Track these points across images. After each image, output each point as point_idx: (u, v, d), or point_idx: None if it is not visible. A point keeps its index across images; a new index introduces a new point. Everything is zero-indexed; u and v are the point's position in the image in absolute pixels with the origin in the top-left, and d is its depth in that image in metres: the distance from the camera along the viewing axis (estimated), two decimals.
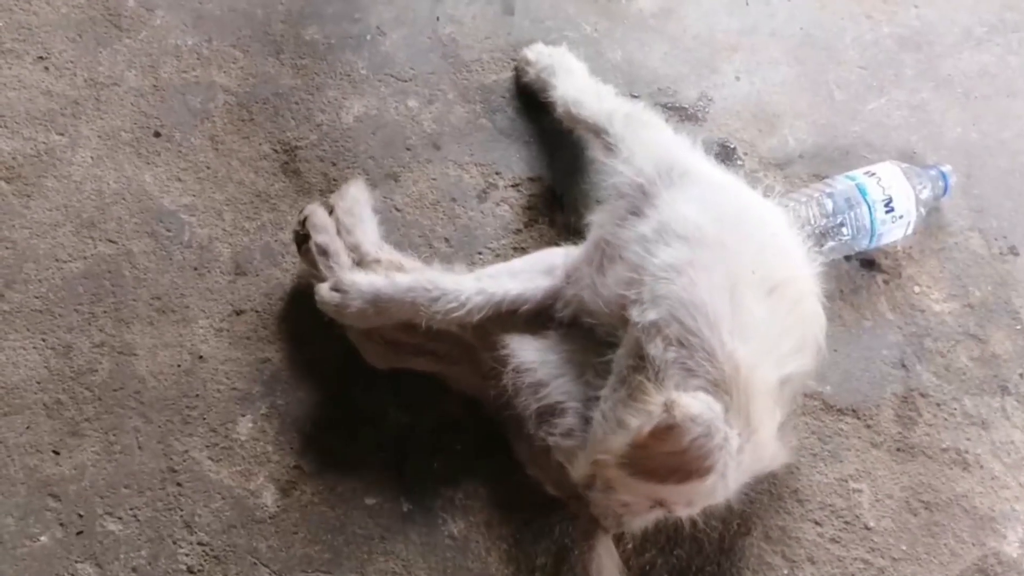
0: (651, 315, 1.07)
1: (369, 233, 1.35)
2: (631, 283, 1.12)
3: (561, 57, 1.49)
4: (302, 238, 1.33)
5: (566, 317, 1.23)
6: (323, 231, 1.32)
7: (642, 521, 1.16)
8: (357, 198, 1.36)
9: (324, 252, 1.30)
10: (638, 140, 1.25)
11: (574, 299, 1.22)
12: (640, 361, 1.08)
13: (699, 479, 1.01)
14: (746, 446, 1.04)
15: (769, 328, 1.09)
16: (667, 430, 0.97)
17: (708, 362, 1.04)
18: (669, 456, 1.00)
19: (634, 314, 1.09)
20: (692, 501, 1.09)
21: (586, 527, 1.20)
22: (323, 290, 1.27)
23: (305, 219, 1.32)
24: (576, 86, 1.42)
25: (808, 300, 1.17)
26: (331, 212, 1.34)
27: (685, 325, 1.05)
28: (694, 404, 0.98)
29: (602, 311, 1.17)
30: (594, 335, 1.21)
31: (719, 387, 1.03)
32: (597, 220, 1.26)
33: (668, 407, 0.97)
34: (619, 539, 1.25)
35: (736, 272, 1.10)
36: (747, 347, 1.05)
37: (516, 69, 1.55)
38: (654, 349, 1.06)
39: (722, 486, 1.06)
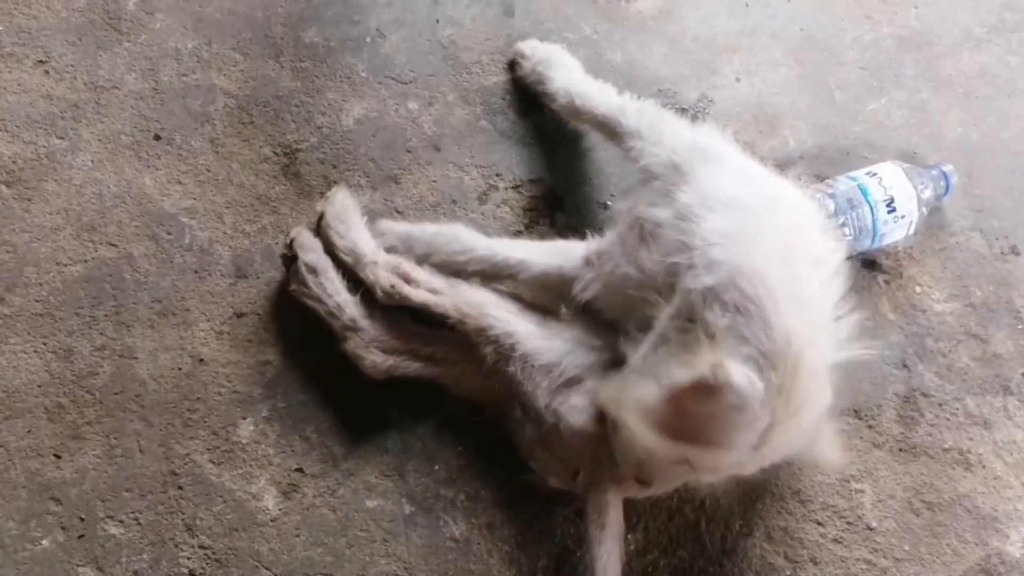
0: (708, 280, 1.07)
1: (363, 235, 1.35)
2: (681, 248, 1.12)
3: (557, 52, 1.51)
4: (290, 259, 1.33)
5: (583, 300, 1.24)
6: (311, 250, 1.32)
7: (662, 473, 1.15)
8: (345, 203, 1.37)
9: (314, 271, 1.31)
10: (661, 127, 1.27)
11: (598, 279, 1.22)
12: (690, 324, 1.08)
13: (717, 449, 1.01)
14: (783, 425, 1.03)
15: (822, 304, 1.10)
16: (706, 389, 0.97)
17: (763, 332, 1.03)
18: (696, 418, 0.99)
19: (688, 279, 1.09)
20: (718, 468, 1.09)
21: (599, 483, 1.19)
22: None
23: (292, 240, 1.33)
24: (577, 79, 1.44)
25: (839, 280, 1.17)
26: (320, 220, 1.35)
27: (744, 292, 1.05)
28: (739, 374, 0.98)
29: (646, 283, 1.16)
30: (599, 321, 1.23)
31: (768, 360, 1.02)
32: (625, 206, 1.27)
33: (715, 367, 0.96)
34: (623, 539, 1.25)
35: (787, 243, 1.10)
36: (802, 322, 1.05)
37: (511, 63, 1.55)
38: (711, 314, 1.06)
39: (754, 461, 1.06)
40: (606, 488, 1.18)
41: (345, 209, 1.36)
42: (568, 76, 1.45)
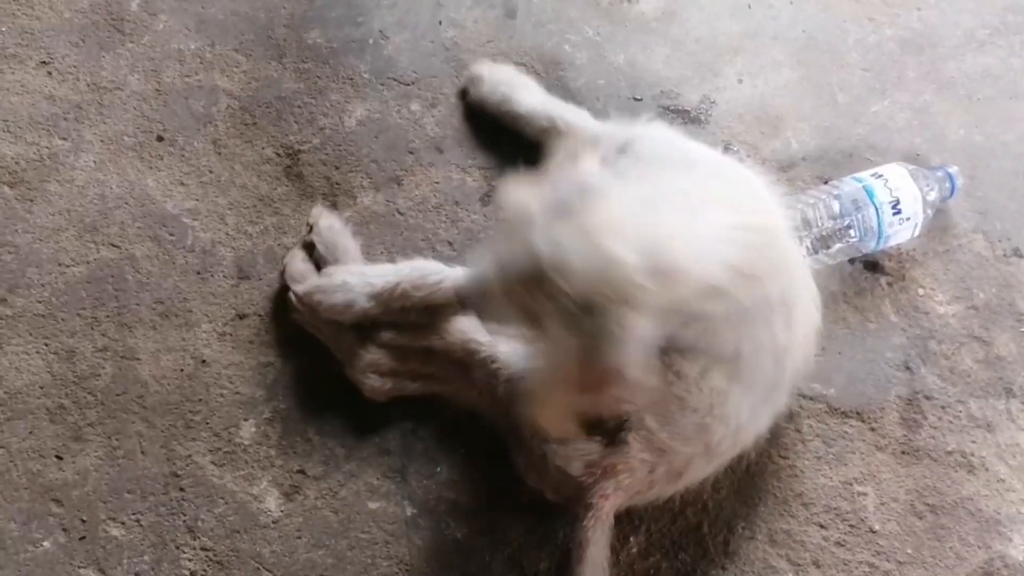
0: None
1: (355, 261, 1.36)
2: None
3: (515, 73, 1.50)
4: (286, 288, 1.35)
5: None
6: (301, 280, 1.33)
7: (579, 466, 1.15)
8: (333, 227, 1.37)
9: None
10: None
11: None
12: None
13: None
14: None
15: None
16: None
17: None
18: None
19: None
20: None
21: (581, 518, 1.18)
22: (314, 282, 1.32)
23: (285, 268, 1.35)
24: (550, 101, 1.44)
25: (777, 244, 1.14)
26: (312, 249, 1.36)
27: None
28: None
29: None
30: None
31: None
32: None
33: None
34: (624, 542, 1.25)
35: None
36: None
37: (465, 86, 1.51)
38: None
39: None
40: (587, 527, 1.18)
41: (334, 235, 1.36)
42: (535, 97, 1.45)
